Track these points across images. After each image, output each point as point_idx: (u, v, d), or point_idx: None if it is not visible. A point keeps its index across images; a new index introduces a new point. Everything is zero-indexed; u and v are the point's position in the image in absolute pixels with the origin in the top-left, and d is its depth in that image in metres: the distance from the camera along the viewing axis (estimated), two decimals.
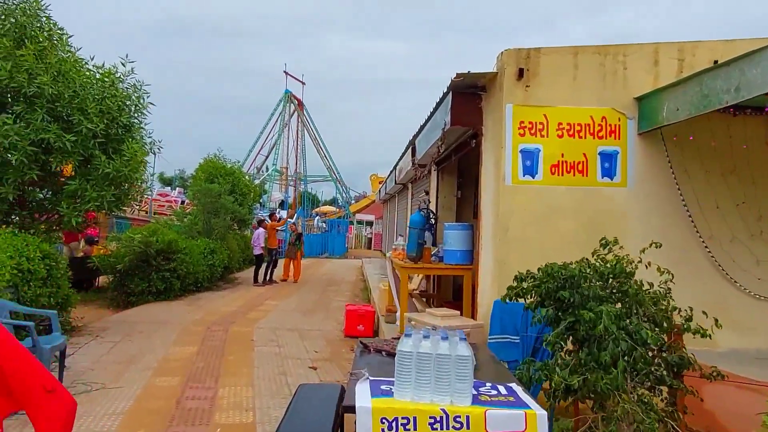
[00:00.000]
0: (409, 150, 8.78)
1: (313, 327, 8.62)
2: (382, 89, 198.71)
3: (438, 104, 5.73)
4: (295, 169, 45.37)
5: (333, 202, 60.36)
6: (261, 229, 14.35)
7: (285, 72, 44.81)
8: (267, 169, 44.15)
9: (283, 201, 41.51)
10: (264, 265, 14.15)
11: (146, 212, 23.78)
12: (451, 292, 8.39)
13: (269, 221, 14.55)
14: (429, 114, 6.36)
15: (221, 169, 16.16)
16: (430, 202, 7.76)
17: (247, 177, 18.55)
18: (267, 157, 46.35)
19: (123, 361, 6.10)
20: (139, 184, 7.57)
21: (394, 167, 12.35)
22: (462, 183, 8.51)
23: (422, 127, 7.19)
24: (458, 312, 4.90)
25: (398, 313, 7.53)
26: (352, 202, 41.33)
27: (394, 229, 15.67)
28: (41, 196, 7.23)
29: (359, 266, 21.96)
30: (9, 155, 6.26)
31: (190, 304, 10.35)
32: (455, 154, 6.74)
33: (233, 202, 14.56)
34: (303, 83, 47.26)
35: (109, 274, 10.33)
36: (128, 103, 7.60)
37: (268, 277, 14.08)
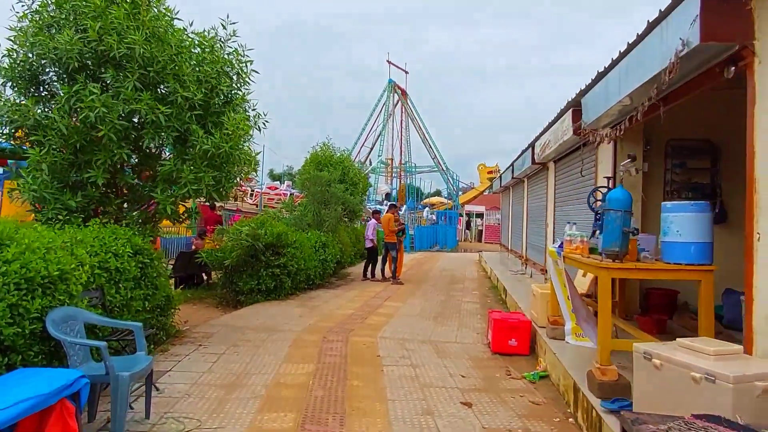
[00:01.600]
0: (568, 114, 6.77)
1: (448, 338, 6.95)
2: (482, 78, 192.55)
3: (662, 17, 3.74)
4: (400, 161, 44.20)
5: (438, 193, 58.56)
6: (373, 221, 13.00)
7: (388, 61, 43.79)
8: (371, 162, 43.48)
9: (388, 193, 40.53)
10: (382, 260, 12.83)
11: (256, 206, 23.66)
12: (637, 300, 6.29)
13: (384, 213, 13.14)
14: (630, 44, 4.37)
15: (330, 158, 15.12)
16: (604, 178, 5.72)
17: (357, 166, 17.40)
18: (372, 149, 45.72)
19: (226, 384, 4.84)
20: (243, 164, 6.32)
21: (531, 145, 10.30)
22: (649, 153, 6.37)
23: (602, 75, 5.20)
24: (739, 348, 2.92)
25: (568, 326, 5.63)
26: (460, 193, 39.20)
27: (523, 221, 13.56)
28: (135, 180, 6.23)
29: (477, 261, 20.04)
30: (95, 131, 5.24)
31: (302, 304, 9.16)
32: (662, 106, 4.65)
33: (344, 192, 13.35)
34: (406, 72, 45.96)
35: (217, 270, 9.46)
36: (229, 70, 6.40)
37: (387, 274, 12.70)
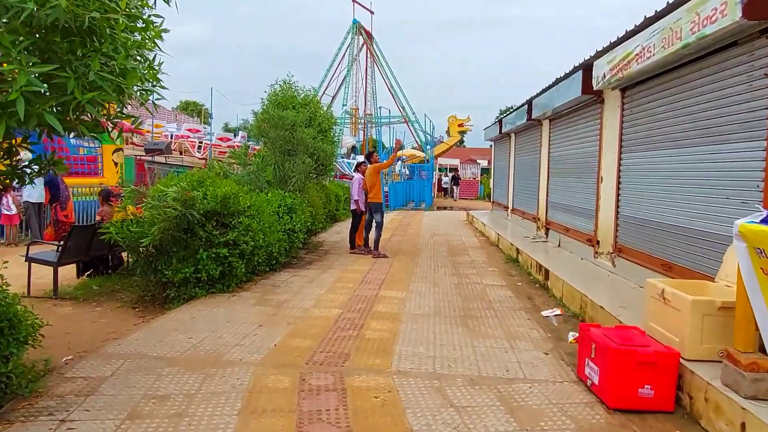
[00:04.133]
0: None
1: (509, 369, 4.21)
2: (443, 31, 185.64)
3: None
4: (365, 110, 40.69)
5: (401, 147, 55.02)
6: (359, 176, 10.02)
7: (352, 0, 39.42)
8: (334, 112, 39.67)
9: (354, 146, 37.22)
10: (370, 226, 9.95)
11: (205, 160, 20.15)
12: None
13: (368, 163, 10.14)
14: None
15: (292, 99, 11.85)
16: None
17: (325, 109, 14.18)
18: (334, 97, 41.82)
19: None
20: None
21: (584, 66, 7.45)
22: None
23: None
24: None
25: None
26: (434, 145, 36.24)
27: (540, 175, 10.87)
28: None
29: (465, 221, 17.41)
30: None
31: (263, 300, 6.23)
32: None
33: (313, 139, 10.22)
34: (372, 12, 41.75)
35: (133, 252, 6.37)
36: None
37: (372, 245, 9.83)
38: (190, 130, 26.13)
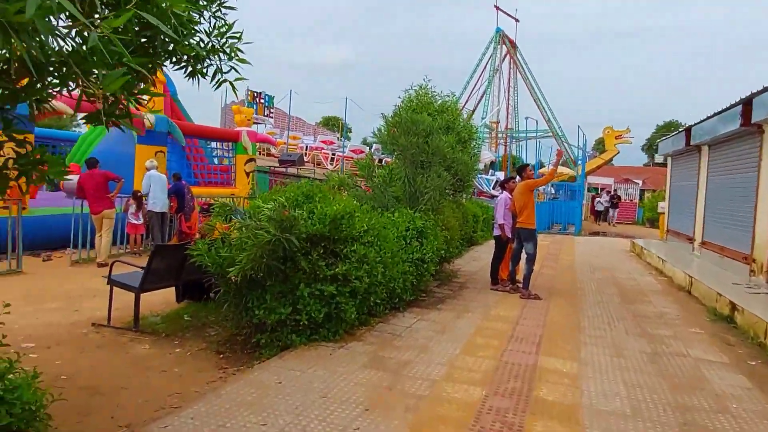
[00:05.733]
0: None
1: None
2: (592, 42, 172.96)
3: None
4: (507, 124, 38.17)
5: (542, 165, 50.78)
6: (505, 195, 8.11)
7: (496, 7, 37.41)
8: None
9: (493, 161, 34.93)
10: (513, 258, 7.95)
11: (336, 171, 19.50)
12: None
13: (519, 179, 8.16)
14: None
15: (429, 106, 10.31)
16: None
17: (466, 116, 12.45)
18: (473, 111, 39.91)
19: None
20: None
21: None
22: None
23: None
24: None
25: None
26: (587, 160, 32.52)
27: (754, 201, 7.99)
28: None
29: (629, 251, 14.39)
30: None
31: (375, 361, 4.59)
32: None
33: (452, 148, 8.51)
34: (516, 20, 39.29)
35: (220, 282, 5.15)
36: None
37: (520, 281, 7.81)
38: (324, 141, 26.10)
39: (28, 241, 9.97)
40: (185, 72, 3.31)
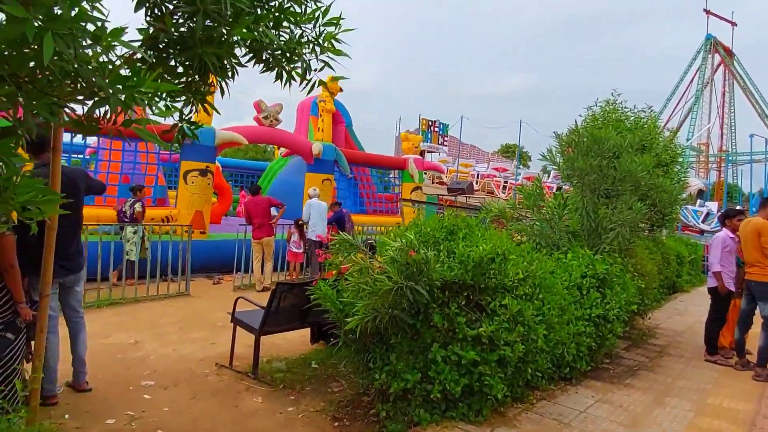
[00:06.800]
0: None
1: None
2: None
3: None
4: (720, 146, 32.22)
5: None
6: (723, 234, 6.08)
7: (706, 11, 32.21)
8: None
9: (701, 190, 29.64)
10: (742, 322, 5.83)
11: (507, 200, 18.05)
12: None
13: (751, 214, 6.03)
14: None
15: (619, 124, 8.56)
16: None
17: (668, 134, 10.23)
18: (675, 133, 34.70)
19: None
20: None
21: None
22: None
23: None
24: None
25: None
26: None
27: None
28: None
29: None
30: None
31: None
32: None
33: (649, 173, 6.70)
34: (733, 24, 33.35)
35: (338, 332, 4.33)
36: None
37: (750, 353, 5.68)
38: (496, 169, 24.70)
39: (206, 264, 10.65)
40: (267, 71, 2.60)
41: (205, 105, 2.63)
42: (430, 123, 31.68)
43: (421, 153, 26.71)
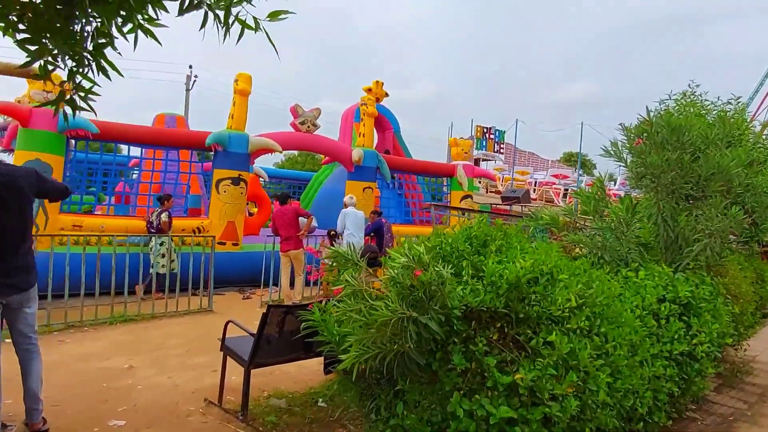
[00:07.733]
0: None
1: None
2: None
3: None
4: None
5: None
6: None
7: None
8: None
9: None
10: None
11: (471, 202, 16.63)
12: None
13: None
14: None
15: (699, 119, 7.26)
16: None
17: (759, 126, 8.79)
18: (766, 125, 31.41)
19: None
20: None
21: None
22: None
23: None
24: None
25: None
26: None
27: None
28: None
29: None
30: None
31: None
32: None
33: (742, 168, 5.42)
34: None
35: (333, 369, 3.46)
36: None
37: None
38: (555, 176, 22.99)
39: (239, 277, 10.09)
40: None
41: (102, 67, 1.86)
42: (485, 129, 30.26)
43: (476, 161, 25.45)
